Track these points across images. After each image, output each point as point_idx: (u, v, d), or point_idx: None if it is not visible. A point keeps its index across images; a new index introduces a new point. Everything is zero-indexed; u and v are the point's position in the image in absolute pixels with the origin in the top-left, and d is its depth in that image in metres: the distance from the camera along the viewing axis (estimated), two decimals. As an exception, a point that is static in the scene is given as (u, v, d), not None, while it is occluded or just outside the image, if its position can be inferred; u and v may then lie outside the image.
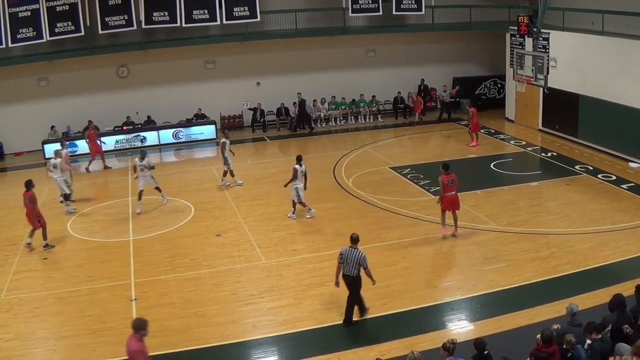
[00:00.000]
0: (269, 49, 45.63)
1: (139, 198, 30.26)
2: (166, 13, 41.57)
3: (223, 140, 32.80)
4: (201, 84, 45.24)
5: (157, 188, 31.08)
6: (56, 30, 40.26)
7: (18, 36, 39.76)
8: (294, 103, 45.83)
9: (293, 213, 28.49)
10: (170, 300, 21.35)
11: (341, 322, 19.37)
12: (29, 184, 26.61)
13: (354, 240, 18.86)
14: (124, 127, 42.77)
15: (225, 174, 33.06)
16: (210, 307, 20.73)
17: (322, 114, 46.47)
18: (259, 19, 43.26)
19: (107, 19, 40.84)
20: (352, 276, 18.74)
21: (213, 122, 44.77)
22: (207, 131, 44.24)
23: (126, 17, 41.13)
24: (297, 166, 27.78)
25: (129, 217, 29.96)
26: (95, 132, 39.09)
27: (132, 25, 41.37)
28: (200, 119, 44.61)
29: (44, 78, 42.89)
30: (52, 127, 42.43)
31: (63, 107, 42.90)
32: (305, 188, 28.18)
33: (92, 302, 21.51)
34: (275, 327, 19.48)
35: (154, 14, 41.43)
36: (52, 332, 19.43)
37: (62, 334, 19.13)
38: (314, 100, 46.40)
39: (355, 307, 19.23)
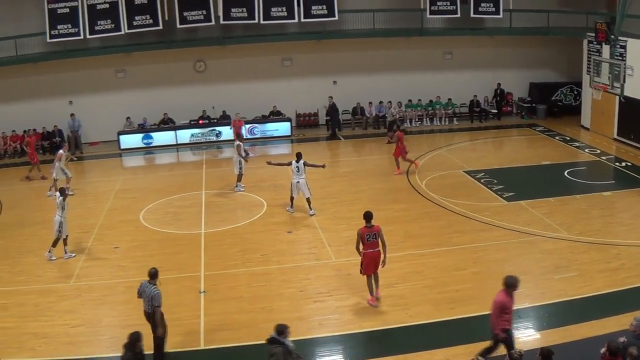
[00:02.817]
0: (346, 48, 45.44)
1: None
2: (244, 9, 41.66)
3: (237, 143, 32.66)
4: (277, 81, 45.24)
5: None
6: (134, 23, 40.73)
7: (96, 28, 40.35)
8: (370, 103, 45.70)
9: (292, 207, 29.50)
10: (239, 294, 21.32)
11: (407, 324, 19.21)
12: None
13: (152, 275, 17.49)
14: (200, 121, 43.02)
15: (239, 178, 32.85)
16: (278, 303, 20.62)
17: (397, 115, 46.16)
18: (337, 17, 43.13)
19: (185, 13, 41.12)
20: (149, 313, 17.52)
21: (288, 120, 44.80)
22: (282, 128, 44.32)
23: (204, 12, 41.33)
24: (293, 162, 28.81)
25: (201, 210, 30.08)
26: (35, 139, 39.30)
27: (210, 21, 41.54)
28: (275, 115, 44.70)
29: (121, 70, 43.39)
30: (128, 118, 42.89)
31: (139, 99, 43.42)
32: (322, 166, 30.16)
33: (161, 293, 21.59)
34: (341, 326, 19.29)
35: (233, 9, 41.56)
36: (120, 319, 19.47)
37: (129, 322, 19.02)
38: (389, 102, 46.13)
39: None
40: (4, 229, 28.83)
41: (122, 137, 42.31)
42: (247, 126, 43.39)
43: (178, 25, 41.31)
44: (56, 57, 41.24)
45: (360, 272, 20.48)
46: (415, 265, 23.13)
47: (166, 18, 40.96)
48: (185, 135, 42.77)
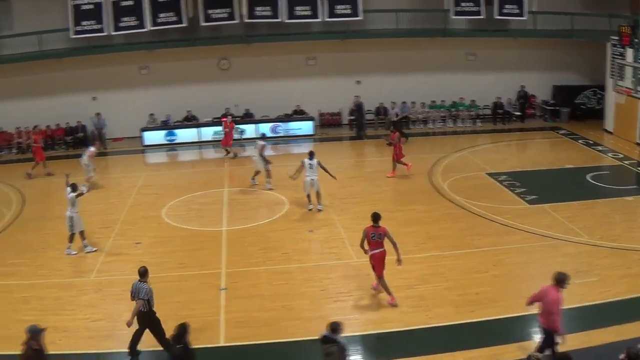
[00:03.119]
0: (370, 48, 45.31)
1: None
2: (269, 8, 41.72)
3: (262, 143, 32.60)
4: (301, 80, 45.20)
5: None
6: (158, 20, 40.87)
7: (120, 24, 40.55)
8: (393, 103, 45.55)
9: (310, 203, 29.59)
10: (260, 292, 21.35)
11: (427, 325, 19.14)
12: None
13: (142, 273, 17.73)
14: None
15: (257, 173, 32.81)
16: (298, 302, 20.64)
17: (420, 116, 46.10)
18: (361, 17, 43.10)
19: (209, 11, 41.26)
20: (142, 311, 17.57)
21: (312, 119, 44.80)
22: (305, 127, 44.30)
23: (229, 10, 41.43)
24: (305, 160, 29.20)
25: (223, 207, 30.19)
26: (41, 136, 39.36)
27: (235, 19, 41.62)
28: (299, 114, 44.74)
29: (145, 67, 43.53)
30: (151, 114, 43.04)
31: (163, 96, 43.56)
32: (334, 177, 29.93)
33: (181, 289, 21.65)
34: (361, 326, 19.25)
35: (257, 8, 41.63)
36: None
37: (150, 318, 19.25)
38: (412, 102, 46.07)
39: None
40: (26, 223, 29.09)
41: (145, 134, 42.50)
42: (270, 124, 43.57)
43: (202, 23, 41.40)
44: (80, 53, 41.45)
45: (376, 275, 20.62)
46: (436, 266, 23.03)
47: (190, 15, 41.05)
48: (208, 133, 42.81)
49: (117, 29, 40.64)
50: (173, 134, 42.68)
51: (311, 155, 29.15)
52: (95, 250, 25.19)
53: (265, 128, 42.91)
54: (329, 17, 42.71)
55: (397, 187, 32.44)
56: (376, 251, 20.22)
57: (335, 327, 14.77)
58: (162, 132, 42.85)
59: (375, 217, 20.37)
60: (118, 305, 20.53)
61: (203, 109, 43.37)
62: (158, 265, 23.47)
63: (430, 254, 24.01)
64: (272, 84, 44.58)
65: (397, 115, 44.39)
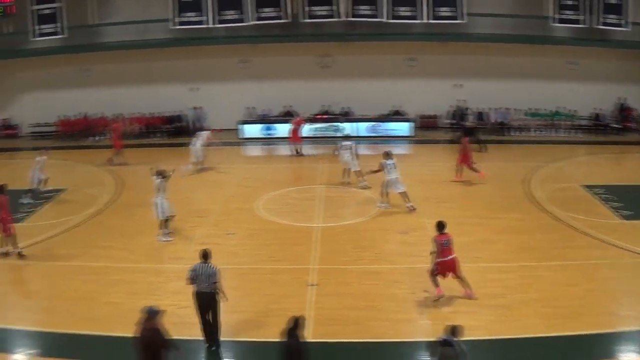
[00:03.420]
0: (471, 52, 44.99)
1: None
2: (371, 7, 41.98)
3: (350, 143, 32.78)
4: (400, 81, 45.18)
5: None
6: (261, 15, 41.46)
7: (222, 17, 41.19)
8: (493, 109, 45.34)
9: (381, 203, 29.75)
10: (350, 291, 21.34)
11: (513, 336, 18.78)
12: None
13: (205, 255, 18.04)
14: (321, 116, 43.34)
15: (359, 174, 32.74)
16: (387, 303, 20.54)
17: (516, 123, 45.74)
18: (464, 20, 43.00)
19: (312, 8, 41.71)
20: (208, 292, 17.82)
21: (410, 120, 44.64)
22: (403, 128, 44.23)
23: (331, 8, 41.80)
24: (383, 161, 29.14)
25: (317, 203, 30.40)
26: (121, 125, 40.08)
27: (336, 17, 41.96)
28: (397, 115, 44.72)
29: (244, 60, 44.04)
30: (250, 107, 43.56)
31: (260, 91, 44.28)
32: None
33: (272, 282, 21.85)
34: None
35: (359, 7, 41.93)
36: (228, 305, 19.05)
37: (237, 309, 19.29)
38: (506, 109, 45.74)
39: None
40: (123, 209, 30.05)
41: (243, 126, 43.09)
42: (368, 124, 43.76)
43: (304, 20, 41.83)
44: (182, 43, 42.59)
45: (433, 273, 20.73)
46: (525, 277, 22.58)
47: (292, 12, 41.50)
48: (304, 129, 42.95)
49: (219, 21, 41.36)
50: (271, 128, 43.18)
51: (389, 155, 29.27)
52: (171, 232, 26.01)
53: (364, 127, 43.10)
54: (432, 18, 42.70)
55: (490, 194, 32.04)
56: (450, 257, 20.49)
57: (455, 330, 14.81)
58: (260, 126, 43.45)
59: (441, 225, 20.74)
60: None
61: (301, 105, 43.79)
62: (251, 257, 23.91)
63: (520, 264, 23.61)
64: (371, 83, 44.78)
65: (472, 121, 44.13)
